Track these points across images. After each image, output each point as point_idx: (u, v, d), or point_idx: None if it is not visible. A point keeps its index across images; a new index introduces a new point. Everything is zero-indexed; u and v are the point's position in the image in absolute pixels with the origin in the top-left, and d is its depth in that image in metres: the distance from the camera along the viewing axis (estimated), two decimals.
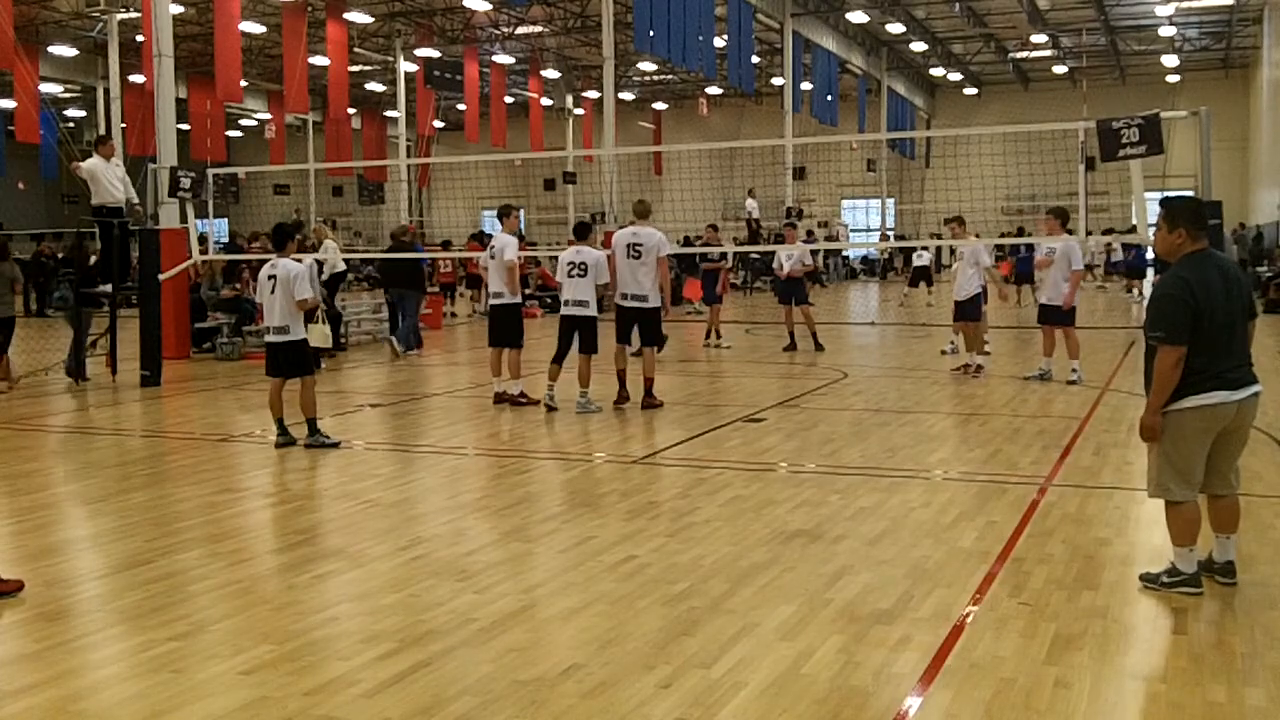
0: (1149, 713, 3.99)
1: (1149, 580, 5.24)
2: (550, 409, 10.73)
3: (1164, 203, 5.27)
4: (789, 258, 15.99)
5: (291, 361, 9.21)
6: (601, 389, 11.08)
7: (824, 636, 4.64)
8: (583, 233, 11.08)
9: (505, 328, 11.19)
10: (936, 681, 4.19)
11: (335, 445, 9.11)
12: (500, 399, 11.26)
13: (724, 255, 17.08)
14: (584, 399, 10.75)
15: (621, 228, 11.18)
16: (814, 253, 32.40)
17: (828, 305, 26.98)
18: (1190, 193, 28.94)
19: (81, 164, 14.18)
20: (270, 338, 9.29)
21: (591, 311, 10.69)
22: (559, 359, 10.86)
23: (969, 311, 13.37)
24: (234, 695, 4.11)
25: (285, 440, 9.17)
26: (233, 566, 5.82)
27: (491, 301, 11.43)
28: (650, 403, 10.84)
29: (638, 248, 10.70)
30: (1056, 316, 12.25)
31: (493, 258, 11.18)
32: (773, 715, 3.91)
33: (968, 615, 4.88)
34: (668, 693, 4.10)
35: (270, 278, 9.15)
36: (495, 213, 11.80)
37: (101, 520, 6.95)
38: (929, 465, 8.18)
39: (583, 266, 10.63)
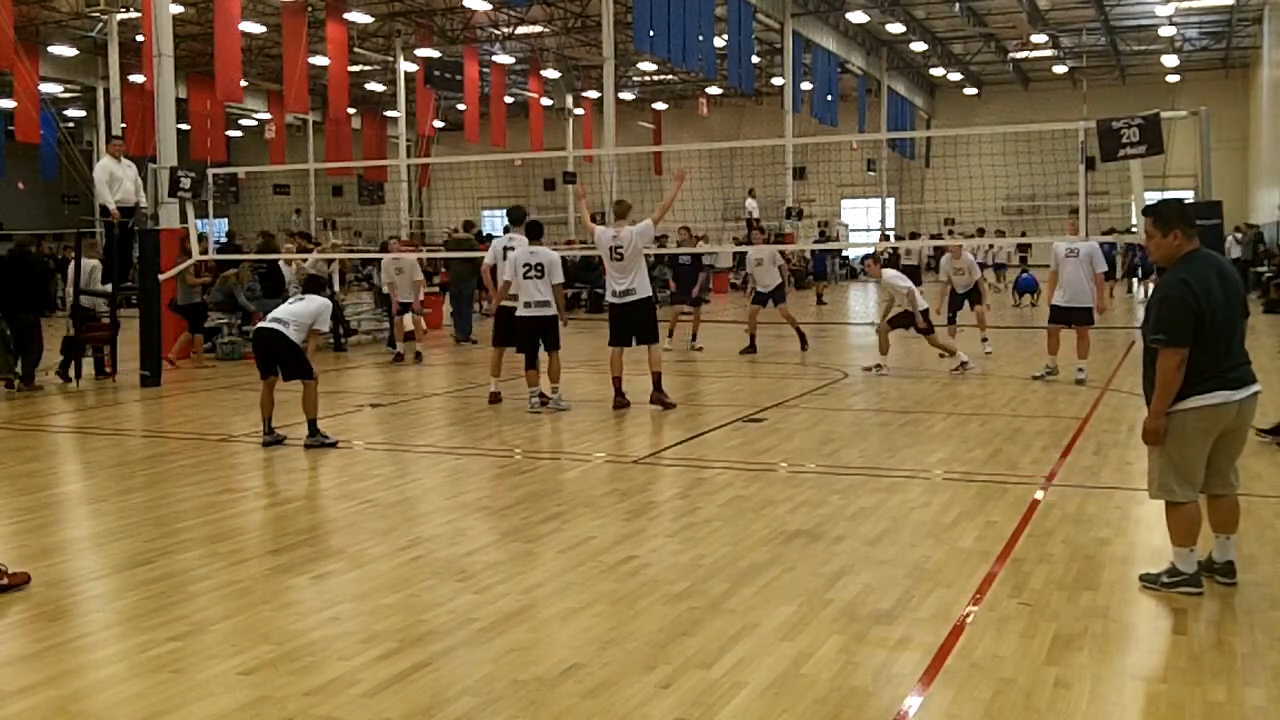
0: (1149, 713, 3.99)
1: (1149, 580, 5.24)
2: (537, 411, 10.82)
3: (1150, 209, 5.26)
4: (758, 263, 15.97)
5: (288, 364, 9.16)
6: (593, 388, 11.07)
7: (824, 636, 4.64)
8: (536, 233, 11.07)
9: (549, 334, 10.95)
10: (937, 681, 4.19)
11: (333, 445, 9.14)
12: (496, 399, 11.36)
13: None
14: (556, 395, 10.85)
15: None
16: (814, 253, 32.44)
17: (827, 305, 27.00)
18: (1190, 193, 28.90)
19: (96, 165, 14.37)
20: (265, 323, 9.28)
21: (552, 311, 10.74)
22: (531, 363, 10.87)
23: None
24: (234, 695, 4.11)
25: (272, 440, 9.21)
26: (233, 566, 5.82)
27: (535, 312, 10.81)
28: (661, 399, 10.82)
29: (620, 251, 10.78)
30: (1079, 317, 12.11)
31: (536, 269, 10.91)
32: (773, 715, 3.91)
33: (968, 615, 4.88)
34: (668, 693, 4.09)
35: (299, 298, 9.42)
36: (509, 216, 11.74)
37: (101, 520, 6.95)
38: (929, 465, 8.18)
39: (539, 267, 10.69)
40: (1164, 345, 4.98)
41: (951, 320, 14.77)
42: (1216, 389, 5.00)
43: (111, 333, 14.17)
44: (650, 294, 11.03)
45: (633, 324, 10.94)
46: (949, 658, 4.40)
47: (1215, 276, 5.04)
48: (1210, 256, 5.17)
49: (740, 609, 4.99)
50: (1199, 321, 4.94)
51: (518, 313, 10.76)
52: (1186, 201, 5.64)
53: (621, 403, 10.90)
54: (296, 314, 9.13)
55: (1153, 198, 6.12)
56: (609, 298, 11.11)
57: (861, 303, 29.54)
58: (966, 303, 14.72)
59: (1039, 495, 7.14)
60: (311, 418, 9.20)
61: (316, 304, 9.26)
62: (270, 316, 9.32)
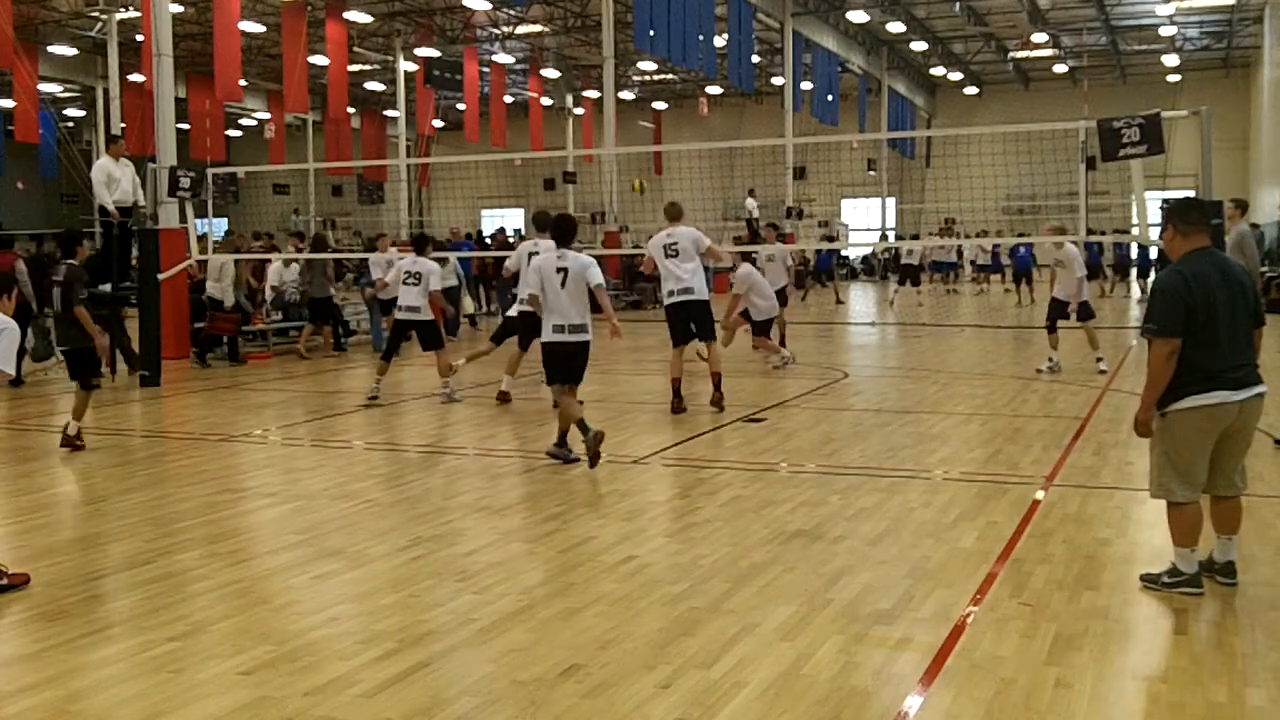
0: (1149, 713, 3.98)
1: (1150, 580, 5.23)
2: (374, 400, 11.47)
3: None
4: (769, 259, 15.57)
5: (579, 364, 8.49)
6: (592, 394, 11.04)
7: (824, 637, 4.63)
8: (422, 245, 11.86)
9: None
10: (937, 682, 4.19)
11: (574, 460, 8.39)
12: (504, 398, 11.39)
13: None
14: (446, 389, 11.45)
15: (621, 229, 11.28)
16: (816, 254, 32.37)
17: (826, 305, 26.99)
18: (1191, 193, 28.92)
19: (94, 166, 14.50)
20: (565, 336, 8.38)
21: (426, 315, 11.45)
22: (388, 357, 11.78)
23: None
24: (234, 695, 4.10)
25: (569, 454, 8.43)
26: (233, 566, 5.82)
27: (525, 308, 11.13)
28: (719, 401, 10.61)
29: (675, 247, 10.60)
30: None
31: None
32: (773, 715, 3.91)
33: (968, 615, 4.88)
34: (668, 693, 4.09)
35: (559, 270, 8.36)
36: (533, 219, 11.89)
37: (101, 520, 6.94)
38: (929, 465, 8.18)
39: (416, 275, 11.33)
40: (1155, 335, 5.01)
41: (1051, 329, 13.42)
42: (1215, 389, 4.99)
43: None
44: (708, 297, 10.73)
45: (691, 319, 10.63)
46: (949, 658, 4.40)
47: (1217, 274, 5.04)
48: (1215, 255, 5.18)
49: (740, 609, 4.99)
50: (1190, 314, 4.94)
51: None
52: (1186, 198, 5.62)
53: (679, 406, 10.48)
54: (577, 307, 8.36)
55: (1153, 197, 6.14)
56: (666, 300, 10.80)
57: (863, 302, 29.53)
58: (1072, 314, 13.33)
59: (1039, 495, 7.13)
60: (564, 429, 8.52)
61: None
62: (569, 327, 8.46)
